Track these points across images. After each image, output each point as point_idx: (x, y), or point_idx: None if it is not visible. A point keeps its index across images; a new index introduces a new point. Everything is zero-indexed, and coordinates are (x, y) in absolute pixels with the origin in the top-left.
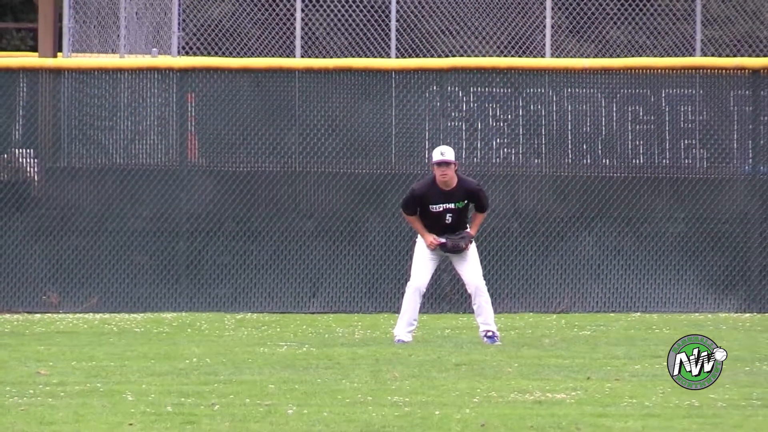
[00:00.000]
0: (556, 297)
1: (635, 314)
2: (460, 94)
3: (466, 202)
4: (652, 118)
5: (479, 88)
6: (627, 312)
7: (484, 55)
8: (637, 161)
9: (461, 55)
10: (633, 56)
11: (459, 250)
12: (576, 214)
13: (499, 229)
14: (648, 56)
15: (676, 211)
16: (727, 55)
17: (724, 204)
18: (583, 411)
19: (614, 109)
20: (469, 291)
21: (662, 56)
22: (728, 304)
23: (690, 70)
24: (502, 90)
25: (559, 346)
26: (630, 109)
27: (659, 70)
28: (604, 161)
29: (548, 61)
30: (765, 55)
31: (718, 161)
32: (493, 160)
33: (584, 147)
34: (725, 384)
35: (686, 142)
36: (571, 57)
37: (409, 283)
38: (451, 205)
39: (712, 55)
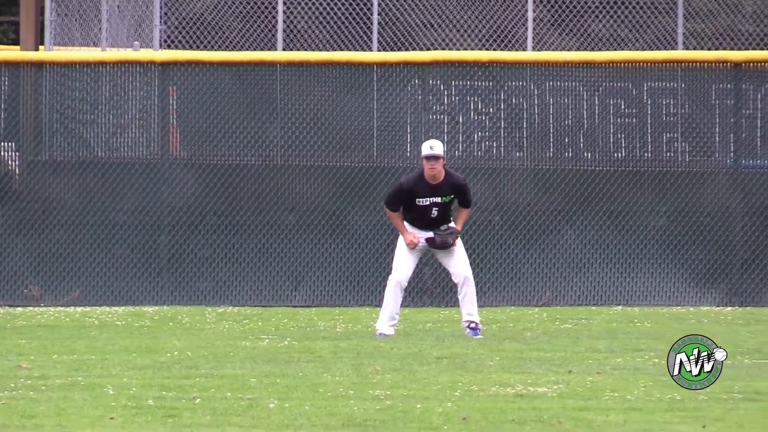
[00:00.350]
0: (537, 290)
1: (617, 308)
2: (442, 88)
3: (452, 196)
4: (634, 111)
5: (461, 82)
6: (609, 305)
7: (465, 49)
8: (619, 154)
9: (443, 49)
10: (615, 49)
11: (447, 246)
12: (558, 207)
13: (481, 223)
14: (630, 49)
15: (658, 205)
16: (709, 49)
17: (706, 197)
18: (565, 404)
19: (596, 102)
20: (455, 281)
21: (644, 49)
22: (710, 298)
23: (672, 64)
24: (483, 83)
25: (540, 339)
26: (612, 103)
27: (641, 64)
28: (585, 154)
29: (530, 55)
30: (747, 49)
31: (700, 155)
32: (475, 154)
33: (566, 140)
34: None
35: (668, 135)
36: (553, 50)
37: (390, 277)
38: (438, 199)
39: (694, 49)
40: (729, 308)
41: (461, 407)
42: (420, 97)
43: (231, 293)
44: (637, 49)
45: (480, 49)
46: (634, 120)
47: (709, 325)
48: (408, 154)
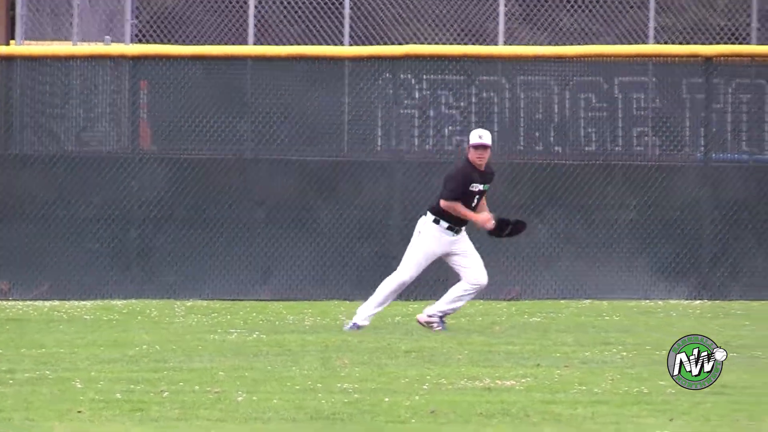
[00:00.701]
0: (506, 284)
1: (586, 301)
2: (413, 82)
3: (489, 185)
4: (605, 105)
5: (432, 76)
6: (577, 299)
7: (437, 43)
8: (590, 148)
9: (414, 43)
10: (586, 44)
11: (521, 230)
12: (528, 201)
13: None
14: (601, 44)
15: (628, 199)
16: (680, 43)
17: (676, 191)
18: (533, 398)
19: (567, 96)
20: (469, 282)
21: (615, 44)
22: (679, 291)
23: (643, 58)
24: (455, 77)
25: (509, 333)
26: (583, 97)
27: (612, 58)
28: (556, 148)
29: (501, 49)
30: (718, 43)
31: (671, 149)
32: (446, 148)
33: (536, 134)
34: None
35: (639, 129)
36: (524, 45)
37: (396, 275)
38: (482, 187)
39: (665, 43)
40: (698, 302)
41: (429, 401)
42: (391, 92)
43: (200, 287)
44: (608, 44)
45: (451, 43)
46: (604, 114)
47: (677, 319)
48: (378, 149)
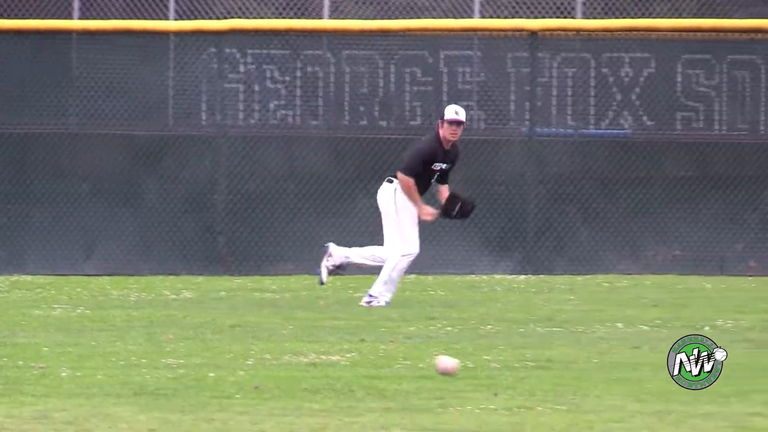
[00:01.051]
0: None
1: (410, 276)
2: (238, 56)
3: (452, 164)
4: (430, 79)
5: (257, 50)
6: (403, 274)
7: (262, 17)
8: (415, 123)
9: (239, 17)
10: (412, 18)
11: (470, 213)
12: (353, 175)
13: (276, 192)
14: (427, 18)
15: (453, 173)
16: (506, 17)
17: (501, 166)
18: (357, 373)
19: (392, 70)
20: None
21: (441, 18)
22: (504, 266)
23: (468, 32)
24: (280, 52)
25: (334, 308)
26: (408, 71)
27: (438, 32)
28: (381, 123)
29: (326, 23)
30: (543, 17)
31: (496, 123)
32: (271, 122)
33: (361, 109)
34: (499, 345)
35: (464, 103)
36: (350, 19)
37: (403, 252)
38: (445, 165)
39: (491, 17)
40: (522, 276)
41: (254, 375)
42: (216, 66)
43: (24, 262)
44: (434, 18)
45: (276, 17)
46: (429, 88)
47: (502, 293)
48: (203, 123)
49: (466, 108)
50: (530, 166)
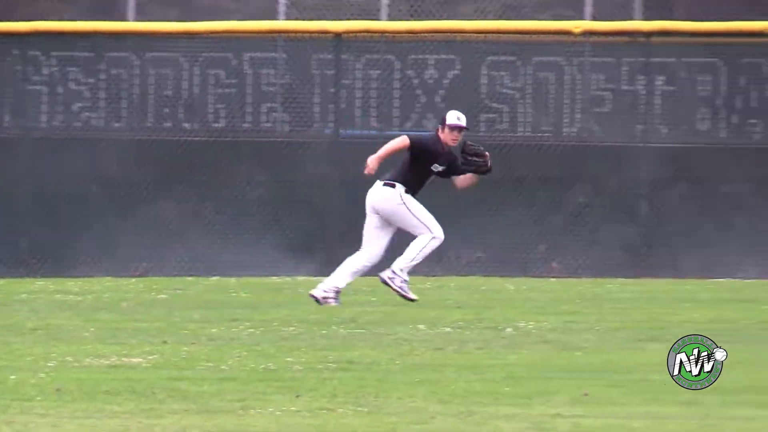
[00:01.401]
0: (134, 261)
1: (214, 278)
2: (42, 59)
3: (446, 167)
4: (234, 81)
5: (61, 53)
6: (205, 276)
7: (66, 20)
8: (219, 125)
9: (43, 19)
10: (217, 20)
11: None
12: (156, 178)
13: (79, 194)
14: (232, 20)
15: (257, 175)
16: (310, 19)
17: (305, 168)
18: (159, 375)
19: (196, 72)
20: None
21: (246, 20)
22: (307, 268)
23: (273, 34)
24: (84, 54)
25: (136, 310)
26: (212, 73)
27: (242, 34)
28: (185, 125)
29: (131, 25)
30: (348, 19)
31: (300, 125)
32: (74, 125)
33: (165, 111)
34: (302, 347)
35: (268, 105)
36: (155, 21)
37: (434, 235)
38: (441, 169)
39: (296, 19)
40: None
41: (55, 378)
42: (20, 68)
43: None
44: (239, 20)
45: (80, 19)
46: (233, 90)
47: (305, 295)
48: (6, 125)
49: (269, 110)
50: (335, 169)
